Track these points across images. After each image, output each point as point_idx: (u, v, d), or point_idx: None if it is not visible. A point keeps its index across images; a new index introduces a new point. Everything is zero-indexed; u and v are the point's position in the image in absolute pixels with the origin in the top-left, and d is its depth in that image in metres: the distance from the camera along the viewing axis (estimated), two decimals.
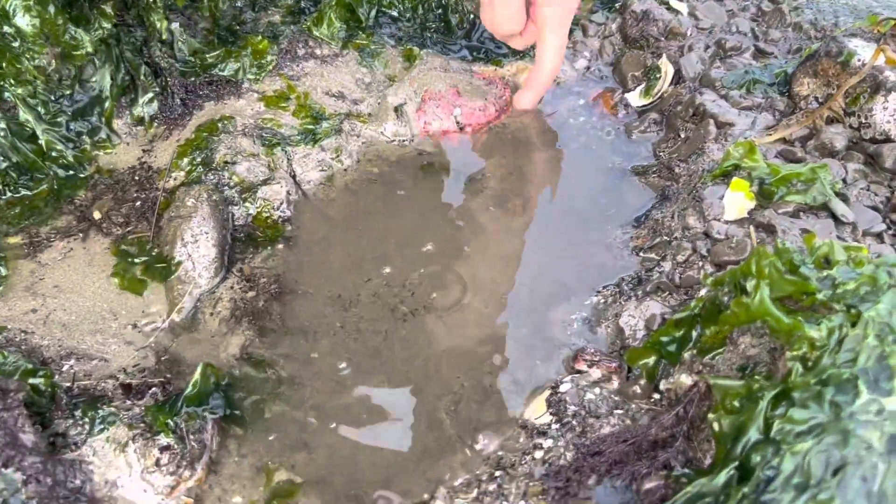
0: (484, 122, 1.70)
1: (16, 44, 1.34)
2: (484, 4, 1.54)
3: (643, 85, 1.79)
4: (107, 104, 1.60)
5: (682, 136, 1.63)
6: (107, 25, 1.47)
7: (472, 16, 1.93)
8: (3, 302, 1.34)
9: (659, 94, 1.74)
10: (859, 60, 1.47)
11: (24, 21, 1.26)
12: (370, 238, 1.50)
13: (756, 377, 0.98)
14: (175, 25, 1.66)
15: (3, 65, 1.40)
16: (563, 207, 1.58)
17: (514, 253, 1.49)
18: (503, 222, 1.54)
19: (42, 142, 1.53)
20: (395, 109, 1.65)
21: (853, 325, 0.92)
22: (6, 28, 1.29)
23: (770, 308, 0.97)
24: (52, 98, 1.54)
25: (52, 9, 1.33)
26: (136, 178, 1.58)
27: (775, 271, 1.01)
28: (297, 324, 1.36)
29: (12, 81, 1.46)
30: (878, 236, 1.27)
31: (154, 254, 1.42)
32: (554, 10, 1.51)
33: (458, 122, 1.68)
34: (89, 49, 1.43)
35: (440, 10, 1.92)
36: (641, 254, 1.43)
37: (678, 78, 1.75)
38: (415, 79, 1.71)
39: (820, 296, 0.97)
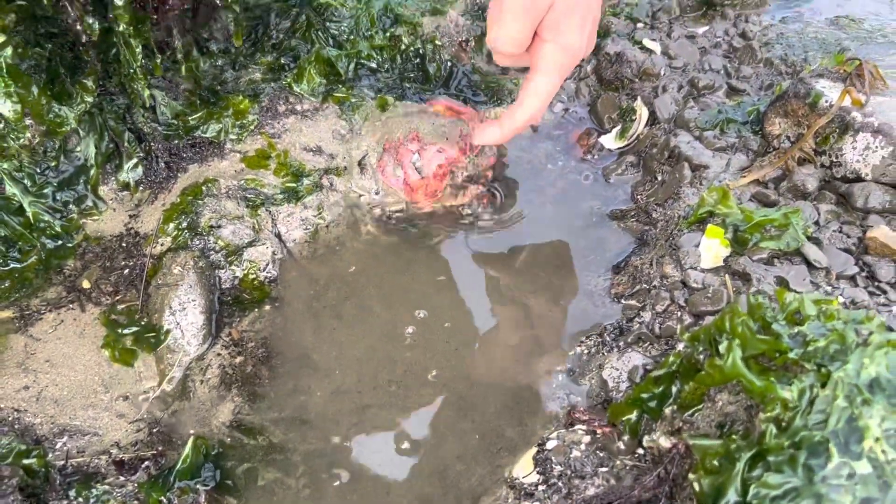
0: (445, 165, 1.67)
1: (0, 125, 1.36)
2: (492, 16, 1.31)
3: (619, 127, 1.82)
4: (92, 172, 1.63)
5: (659, 178, 1.66)
6: (89, 99, 1.49)
7: (449, 64, 1.96)
8: None
9: (634, 136, 1.77)
10: (826, 101, 1.50)
11: (6, 107, 1.29)
12: (355, 296, 1.52)
13: (734, 436, 1.00)
14: (157, 91, 1.69)
15: None
16: (544, 254, 1.61)
17: (495, 304, 1.51)
18: (483, 273, 1.56)
19: (29, 214, 1.55)
20: (359, 163, 1.67)
21: (823, 385, 0.94)
22: None
23: (742, 371, 0.99)
24: (38, 170, 1.56)
25: (35, 90, 1.35)
26: (124, 244, 1.60)
27: (748, 330, 1.04)
28: (286, 388, 1.38)
29: None
30: (852, 279, 1.29)
31: (143, 323, 1.44)
32: (556, 50, 1.30)
33: (417, 170, 1.67)
34: (73, 125, 1.45)
35: (418, 60, 1.96)
36: (622, 301, 1.45)
37: (653, 119, 1.79)
38: (378, 128, 1.73)
39: (792, 354, 1.00)
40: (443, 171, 1.66)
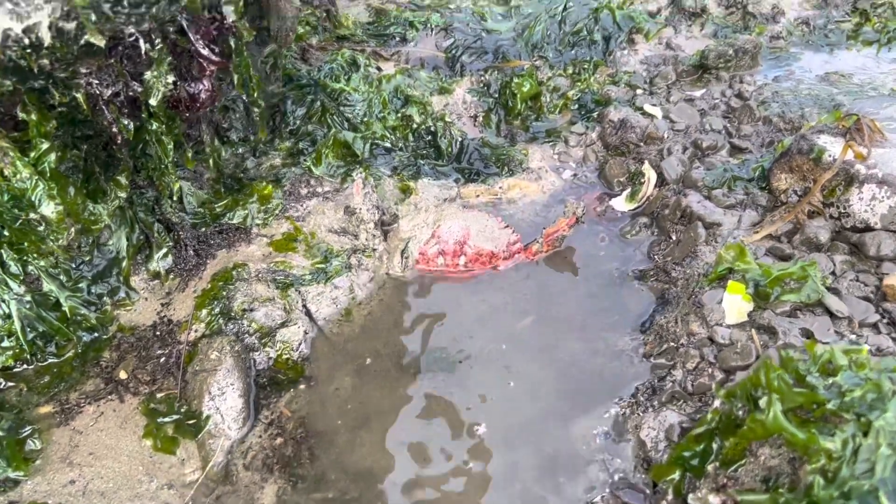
0: (487, 262, 1.76)
1: (41, 227, 1.41)
2: None
3: (628, 190, 1.89)
4: (124, 264, 1.68)
5: (674, 238, 1.71)
6: (122, 195, 1.55)
7: (459, 139, 2.04)
8: (42, 476, 1.37)
9: (645, 198, 1.83)
10: (830, 156, 1.57)
11: (48, 209, 1.34)
12: (388, 370, 1.55)
13: (780, 490, 1.02)
14: (183, 182, 1.75)
15: (26, 244, 1.48)
16: (571, 318, 1.64)
17: (529, 371, 1.54)
18: (513, 342, 1.60)
19: (66, 308, 1.59)
20: (401, 252, 1.73)
21: (865, 433, 0.97)
22: (32, 215, 1.37)
23: (784, 424, 1.02)
24: (73, 265, 1.61)
25: (72, 190, 1.41)
26: (158, 333, 1.63)
27: (784, 384, 1.07)
28: (327, 468, 1.40)
29: (35, 255, 1.53)
30: (874, 326, 1.33)
31: (183, 411, 1.46)
32: None
33: (458, 262, 1.75)
34: (107, 221, 1.51)
35: (430, 137, 2.03)
36: (652, 360, 1.48)
37: (661, 180, 1.85)
38: (424, 212, 1.79)
39: (830, 405, 1.03)
40: (482, 262, 1.75)
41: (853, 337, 1.31)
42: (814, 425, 1.03)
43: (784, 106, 1.94)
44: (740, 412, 1.13)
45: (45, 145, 1.31)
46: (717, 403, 1.23)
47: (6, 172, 1.31)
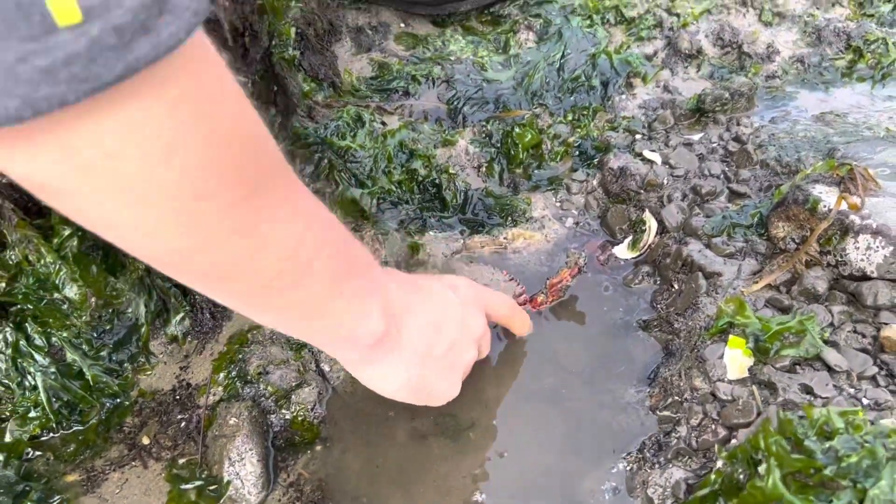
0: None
1: (64, 306, 1.48)
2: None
3: (630, 238, 1.93)
4: (143, 330, 1.73)
5: (676, 287, 1.75)
6: (141, 266, 1.61)
7: (463, 191, 2.09)
8: None
9: (646, 246, 1.88)
10: (825, 206, 1.61)
11: (72, 291, 1.41)
12: (399, 433, 1.60)
13: None
14: None
15: (51, 319, 1.54)
16: (575, 370, 1.68)
17: (536, 424, 1.58)
18: (517, 395, 1.64)
19: (89, 377, 1.65)
20: None
21: (861, 501, 1.01)
22: (56, 295, 1.44)
23: (783, 491, 1.06)
24: (94, 335, 1.67)
25: (94, 269, 1.47)
26: (177, 397, 1.69)
27: (782, 450, 1.11)
28: None
29: (58, 328, 1.60)
30: (873, 379, 1.37)
31: (204, 476, 1.51)
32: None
33: None
34: (127, 295, 1.57)
35: (434, 190, 2.09)
36: (657, 413, 1.52)
37: (662, 228, 1.89)
38: (432, 268, 1.84)
39: (827, 471, 1.06)
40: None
41: (852, 391, 1.34)
42: (812, 491, 1.07)
43: (780, 149, 1.98)
44: (741, 476, 1.17)
45: (67, 231, 1.37)
46: (719, 464, 1.27)
47: (31, 258, 1.37)
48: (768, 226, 1.74)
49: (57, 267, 1.39)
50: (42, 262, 1.38)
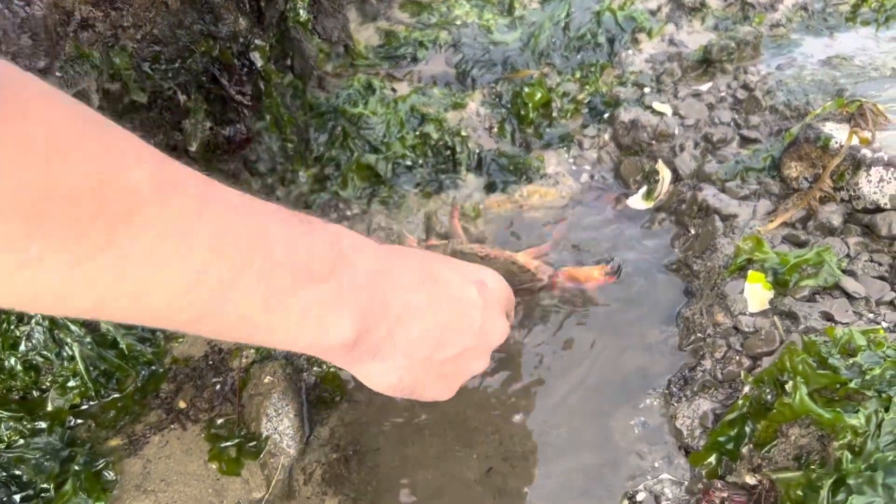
0: None
1: None
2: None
3: (644, 188, 1.96)
4: None
5: (693, 231, 1.78)
6: None
7: (477, 152, 2.12)
8: None
9: (660, 195, 1.91)
10: (836, 142, 1.63)
11: None
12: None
13: (812, 467, 1.10)
14: None
15: None
16: (600, 314, 1.72)
17: (565, 367, 1.62)
18: (544, 341, 1.68)
19: (123, 346, 1.69)
20: None
21: (886, 409, 1.05)
22: None
23: (810, 405, 1.09)
24: None
25: None
26: (210, 362, 1.73)
27: (808, 367, 1.14)
28: (382, 481, 1.49)
29: None
30: (891, 304, 1.40)
31: (243, 434, 1.56)
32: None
33: None
34: None
35: (448, 153, 2.12)
36: (682, 350, 1.56)
37: (676, 176, 1.92)
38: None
39: (852, 384, 1.10)
40: None
41: (871, 316, 1.37)
42: (838, 404, 1.10)
43: (789, 94, 2.01)
44: (769, 396, 1.21)
45: None
46: (746, 389, 1.31)
47: None
48: (781, 167, 1.76)
49: None
50: None
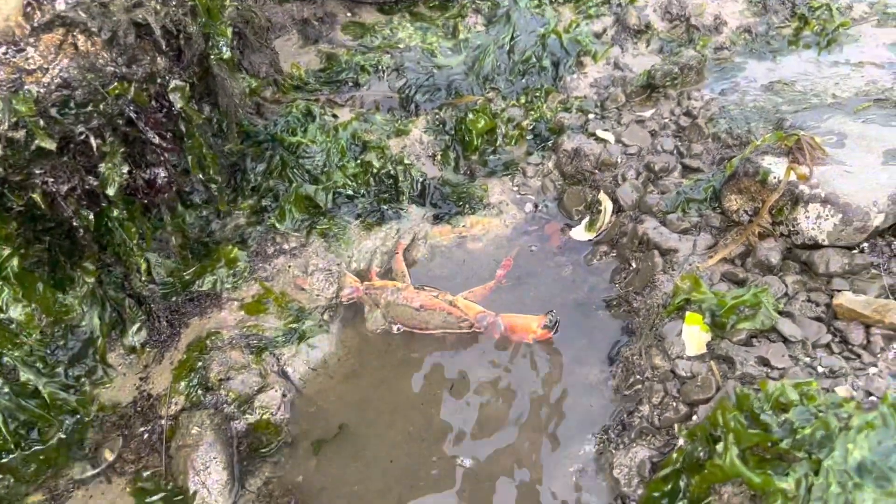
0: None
1: (12, 326, 1.44)
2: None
3: (587, 219, 1.93)
4: (99, 343, 1.70)
5: (634, 265, 1.76)
6: (90, 280, 1.58)
7: (420, 181, 2.07)
8: None
9: (602, 226, 1.88)
10: (775, 177, 1.62)
11: (16, 312, 1.37)
12: (370, 424, 1.59)
13: None
14: (150, 254, 1.77)
15: (0, 341, 1.50)
16: (539, 352, 1.68)
17: (503, 410, 1.58)
18: (487, 384, 1.64)
19: (45, 395, 1.61)
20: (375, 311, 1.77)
21: (816, 472, 1.02)
22: (2, 316, 1.40)
23: (741, 468, 1.07)
24: (48, 351, 1.63)
25: (39, 286, 1.44)
26: (139, 409, 1.66)
27: (739, 425, 1.12)
28: None
29: (9, 346, 1.55)
30: (827, 347, 1.38)
31: (170, 488, 1.49)
32: None
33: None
34: (78, 310, 1.53)
35: (391, 181, 2.07)
36: (620, 392, 1.53)
37: (618, 207, 1.90)
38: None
39: (783, 444, 1.08)
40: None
41: (808, 360, 1.36)
42: (770, 464, 1.08)
43: (731, 122, 1.99)
44: (701, 453, 1.18)
45: (7, 251, 1.34)
46: (681, 442, 1.28)
47: None
48: (721, 199, 1.75)
49: None
50: None
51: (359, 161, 2.09)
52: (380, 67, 2.33)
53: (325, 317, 1.79)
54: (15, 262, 1.36)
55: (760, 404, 1.15)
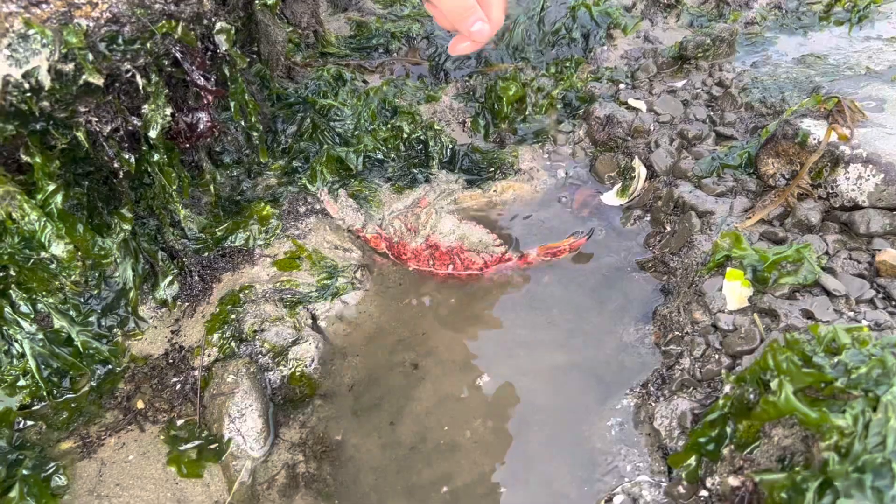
0: (475, 271, 1.79)
1: (52, 265, 1.43)
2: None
3: (619, 185, 1.93)
4: (131, 294, 1.69)
5: (669, 228, 1.75)
6: (127, 227, 1.57)
7: (450, 147, 2.07)
8: None
9: (635, 192, 1.87)
10: (814, 139, 1.61)
11: (59, 249, 1.36)
12: (398, 378, 1.58)
13: (797, 468, 1.07)
14: (184, 209, 1.77)
15: (35, 283, 1.49)
16: (576, 313, 1.68)
17: (539, 364, 1.57)
18: (521, 337, 1.63)
19: (78, 343, 1.60)
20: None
21: (874, 409, 1.02)
22: (43, 254, 1.39)
23: (797, 405, 1.06)
24: (82, 300, 1.63)
25: (80, 227, 1.43)
26: (171, 360, 1.65)
27: (793, 365, 1.11)
28: (349, 482, 1.42)
29: (44, 293, 1.55)
30: (870, 302, 1.38)
31: (204, 435, 1.48)
32: None
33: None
34: (116, 254, 1.52)
35: (420, 147, 2.06)
36: (660, 349, 1.52)
37: (651, 173, 1.89)
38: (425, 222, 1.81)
39: (838, 383, 1.07)
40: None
41: (852, 314, 1.35)
42: (824, 403, 1.07)
43: (764, 91, 1.99)
44: (752, 395, 1.17)
45: (52, 187, 1.33)
46: (727, 389, 1.27)
47: (14, 216, 1.32)
48: (757, 164, 1.74)
49: (42, 224, 1.35)
50: (26, 219, 1.33)
51: (389, 126, 2.09)
52: (410, 35, 2.32)
53: (358, 275, 1.78)
54: (59, 198, 1.35)
55: (812, 348, 1.14)
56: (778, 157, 1.69)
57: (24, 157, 1.34)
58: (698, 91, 2.09)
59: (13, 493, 1.39)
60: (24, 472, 1.44)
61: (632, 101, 2.09)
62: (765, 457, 1.14)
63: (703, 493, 1.23)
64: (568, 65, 2.28)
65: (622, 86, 2.18)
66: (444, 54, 2.29)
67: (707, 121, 1.99)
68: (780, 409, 1.09)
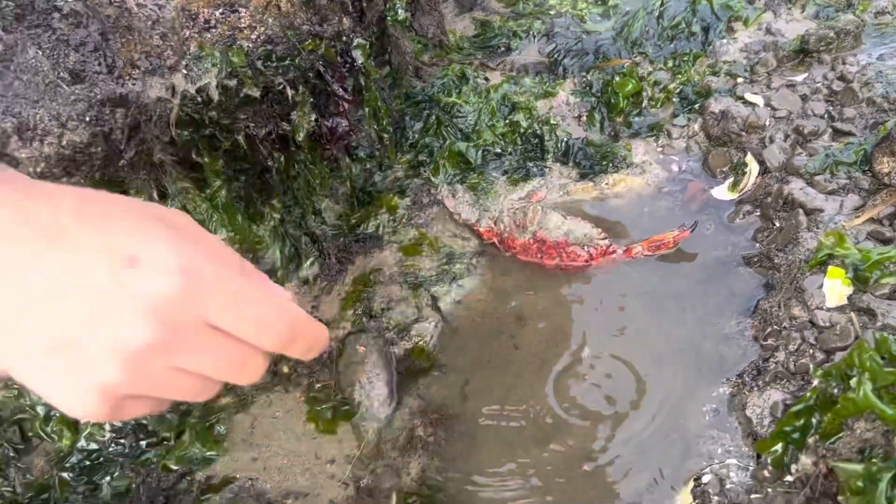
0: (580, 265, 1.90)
1: None
2: None
3: (731, 179, 1.98)
4: (280, 273, 1.94)
5: (777, 224, 1.80)
6: (277, 216, 1.81)
7: (564, 141, 2.18)
8: (229, 455, 1.66)
9: (746, 188, 1.92)
10: None
11: (222, 236, 1.62)
12: (513, 357, 1.74)
13: (874, 459, 1.14)
14: (324, 199, 2.00)
15: None
16: (680, 304, 1.77)
17: (642, 351, 1.68)
18: (625, 325, 1.75)
19: None
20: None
21: None
22: None
23: (873, 401, 1.13)
24: None
25: (239, 217, 1.68)
26: None
27: (875, 364, 1.18)
28: (462, 447, 1.61)
29: None
30: None
31: (338, 398, 1.71)
32: None
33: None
34: (268, 240, 1.77)
35: (536, 140, 2.19)
36: (758, 342, 1.60)
37: (764, 169, 1.93)
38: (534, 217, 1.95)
39: None
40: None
41: None
42: None
43: (888, 86, 1.96)
44: (835, 390, 1.24)
45: (218, 182, 1.58)
46: (815, 382, 1.34)
47: (188, 207, 1.59)
48: (872, 161, 1.75)
49: (210, 214, 1.61)
50: (197, 210, 1.59)
51: (507, 121, 2.23)
52: (531, 33, 2.45)
53: (474, 262, 1.95)
54: (223, 192, 1.60)
55: None
56: (893, 156, 1.70)
57: (196, 158, 1.59)
58: (818, 86, 2.09)
59: (185, 437, 1.67)
60: (192, 420, 1.72)
61: (749, 96, 2.12)
62: (846, 448, 1.21)
63: (788, 478, 1.31)
64: (686, 59, 2.33)
65: (740, 80, 2.21)
66: (562, 51, 2.40)
67: (825, 116, 2.00)
68: (857, 405, 1.16)
